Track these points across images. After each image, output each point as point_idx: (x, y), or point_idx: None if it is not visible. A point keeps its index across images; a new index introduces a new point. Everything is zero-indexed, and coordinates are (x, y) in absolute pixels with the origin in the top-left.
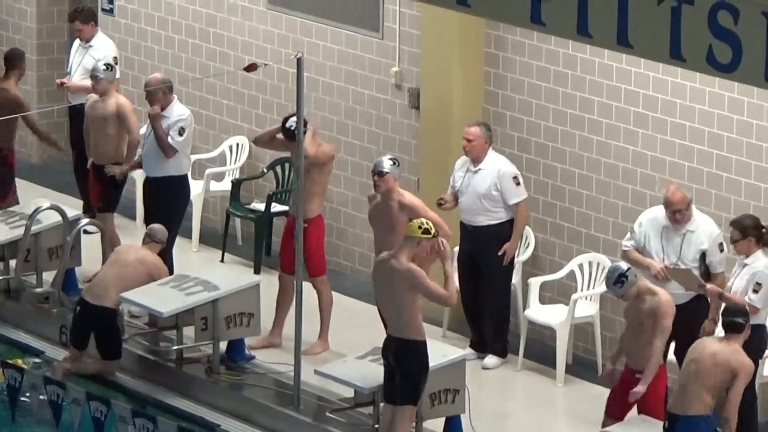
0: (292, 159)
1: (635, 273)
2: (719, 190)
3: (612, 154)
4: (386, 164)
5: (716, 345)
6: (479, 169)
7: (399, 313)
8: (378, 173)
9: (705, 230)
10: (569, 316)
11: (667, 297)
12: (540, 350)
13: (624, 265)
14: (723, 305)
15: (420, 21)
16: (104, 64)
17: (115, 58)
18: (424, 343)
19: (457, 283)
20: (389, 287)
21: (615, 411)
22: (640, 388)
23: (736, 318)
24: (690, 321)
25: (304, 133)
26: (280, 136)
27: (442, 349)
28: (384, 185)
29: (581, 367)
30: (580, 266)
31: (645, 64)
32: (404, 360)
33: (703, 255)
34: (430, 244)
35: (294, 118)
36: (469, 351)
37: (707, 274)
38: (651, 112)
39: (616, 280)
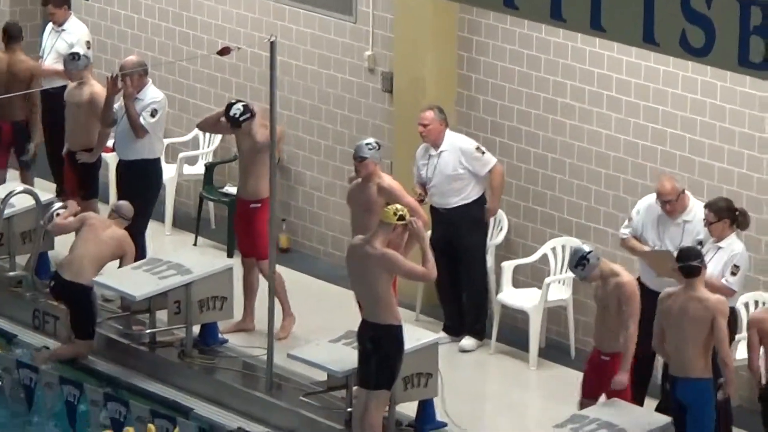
0: (239, 150)
1: (597, 255)
2: (692, 174)
3: (585, 138)
4: (365, 150)
5: (682, 300)
6: (441, 152)
7: (374, 298)
8: (358, 158)
9: (701, 220)
10: (542, 300)
11: (630, 278)
12: (513, 334)
13: (586, 248)
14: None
15: (393, 5)
16: (71, 54)
17: (88, 42)
18: (400, 327)
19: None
20: (363, 272)
21: (587, 390)
22: (621, 377)
23: (691, 262)
24: None
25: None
26: (224, 120)
27: (415, 333)
28: (364, 170)
29: (554, 351)
30: (553, 250)
31: (618, 48)
32: (380, 344)
33: (700, 243)
34: (404, 228)
35: (238, 104)
36: (442, 335)
37: None
38: (624, 96)
39: (578, 262)
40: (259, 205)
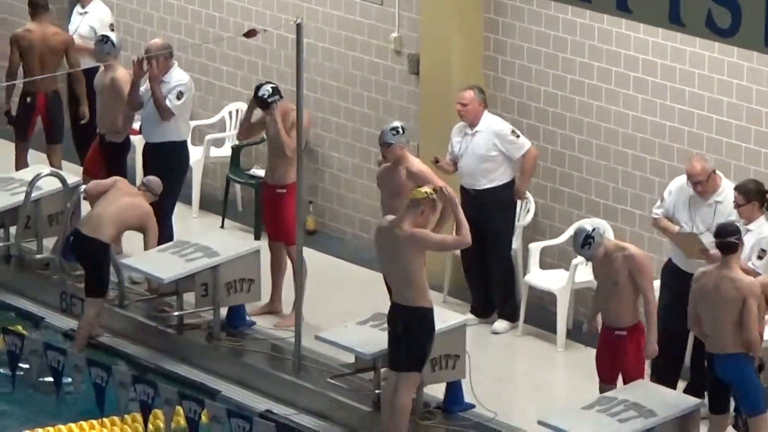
0: (267, 134)
1: (600, 233)
2: (719, 155)
3: (612, 119)
4: (389, 135)
5: (716, 278)
6: (476, 132)
7: (405, 280)
8: (384, 144)
9: (732, 200)
10: (569, 281)
11: (638, 250)
12: (540, 315)
13: (588, 226)
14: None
15: None
16: (101, 36)
17: (112, 25)
18: (431, 309)
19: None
20: (394, 254)
21: (604, 374)
22: (652, 346)
23: (729, 238)
24: None
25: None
26: (255, 119)
27: (443, 315)
28: (391, 155)
29: (582, 332)
30: None
31: (644, 29)
32: (411, 327)
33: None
34: (432, 205)
35: (267, 86)
36: (469, 316)
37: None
38: (650, 77)
39: (583, 242)
40: (285, 190)
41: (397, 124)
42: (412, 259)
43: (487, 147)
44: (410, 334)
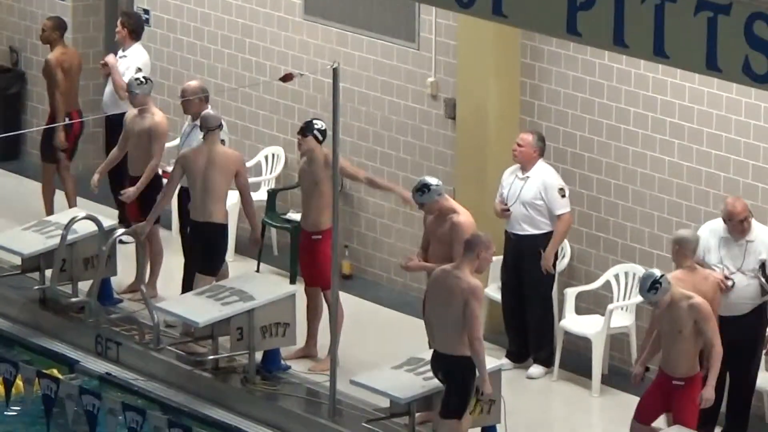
0: (301, 180)
1: (668, 280)
2: (755, 201)
3: (648, 164)
4: (417, 196)
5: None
6: (527, 177)
7: (453, 328)
8: (419, 205)
9: (763, 240)
10: (605, 327)
11: (703, 300)
12: (576, 360)
13: (657, 272)
14: None
15: (456, 31)
16: (138, 78)
17: (139, 68)
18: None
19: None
20: (447, 300)
21: (645, 416)
22: (710, 393)
23: None
24: (751, 332)
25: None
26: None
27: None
28: (430, 210)
29: (617, 377)
30: (616, 276)
31: (681, 75)
32: (455, 376)
33: (762, 265)
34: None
35: (319, 120)
36: (505, 361)
37: None
38: (687, 122)
39: (651, 286)
40: (320, 237)
41: (423, 180)
42: (464, 306)
43: (534, 194)
44: (453, 382)
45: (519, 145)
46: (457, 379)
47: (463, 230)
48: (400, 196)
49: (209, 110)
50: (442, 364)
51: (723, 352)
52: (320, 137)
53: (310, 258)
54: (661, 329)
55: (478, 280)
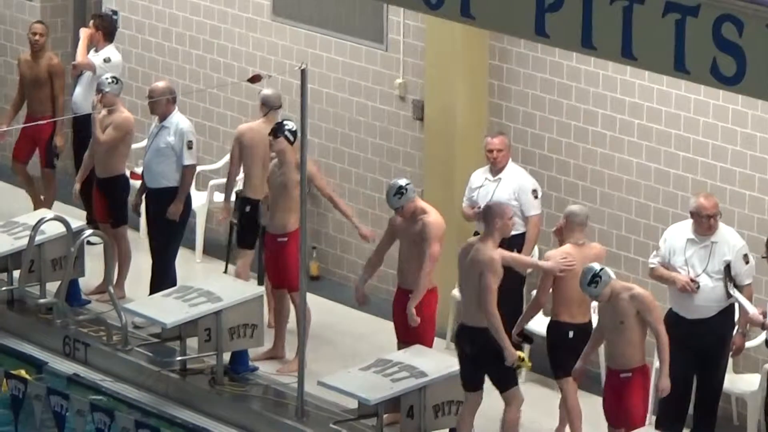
0: (269, 183)
1: (609, 273)
2: (723, 203)
3: (616, 166)
4: (394, 201)
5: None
6: (498, 179)
7: (474, 300)
8: (395, 209)
9: (728, 242)
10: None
11: (644, 290)
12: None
13: (597, 266)
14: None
15: (424, 33)
16: (110, 78)
17: (106, 59)
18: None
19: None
20: (468, 273)
21: (614, 417)
22: (665, 382)
23: None
24: (717, 335)
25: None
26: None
27: (446, 360)
28: (404, 213)
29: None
30: None
31: (649, 77)
32: (482, 348)
33: (727, 266)
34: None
35: (289, 121)
36: None
37: (733, 285)
38: (655, 124)
39: (591, 280)
40: (286, 239)
41: (398, 183)
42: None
43: (508, 196)
44: (484, 354)
45: (498, 150)
46: (488, 350)
47: (434, 229)
48: (356, 228)
49: (270, 90)
50: (466, 335)
51: (690, 355)
52: (291, 138)
53: (276, 260)
54: (603, 323)
55: (497, 253)
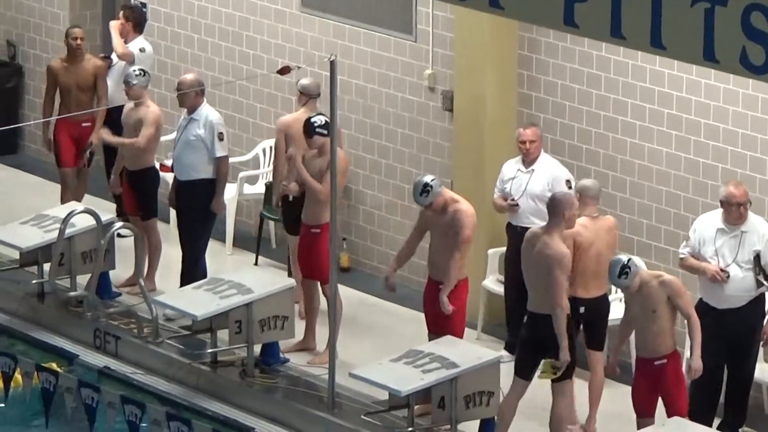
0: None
1: (636, 263)
2: (753, 191)
3: (645, 155)
4: (422, 199)
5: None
6: (532, 170)
7: (542, 289)
8: (424, 206)
9: (758, 231)
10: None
11: (672, 276)
12: None
13: (624, 257)
14: None
15: (453, 23)
16: (137, 70)
17: (142, 49)
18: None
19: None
20: (535, 264)
21: (642, 408)
22: (697, 363)
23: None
24: (748, 324)
25: (323, 134)
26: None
27: (477, 352)
28: (434, 208)
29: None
30: None
31: (678, 66)
32: (548, 335)
33: (757, 256)
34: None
35: (317, 117)
36: (503, 353)
37: (764, 274)
38: (685, 113)
39: (620, 272)
40: (319, 230)
41: (423, 181)
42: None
43: (543, 188)
44: (551, 341)
45: (531, 141)
46: (551, 338)
47: (467, 216)
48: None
49: (308, 79)
50: (533, 322)
51: (721, 345)
52: (324, 132)
53: (309, 251)
54: (632, 313)
55: (565, 247)
